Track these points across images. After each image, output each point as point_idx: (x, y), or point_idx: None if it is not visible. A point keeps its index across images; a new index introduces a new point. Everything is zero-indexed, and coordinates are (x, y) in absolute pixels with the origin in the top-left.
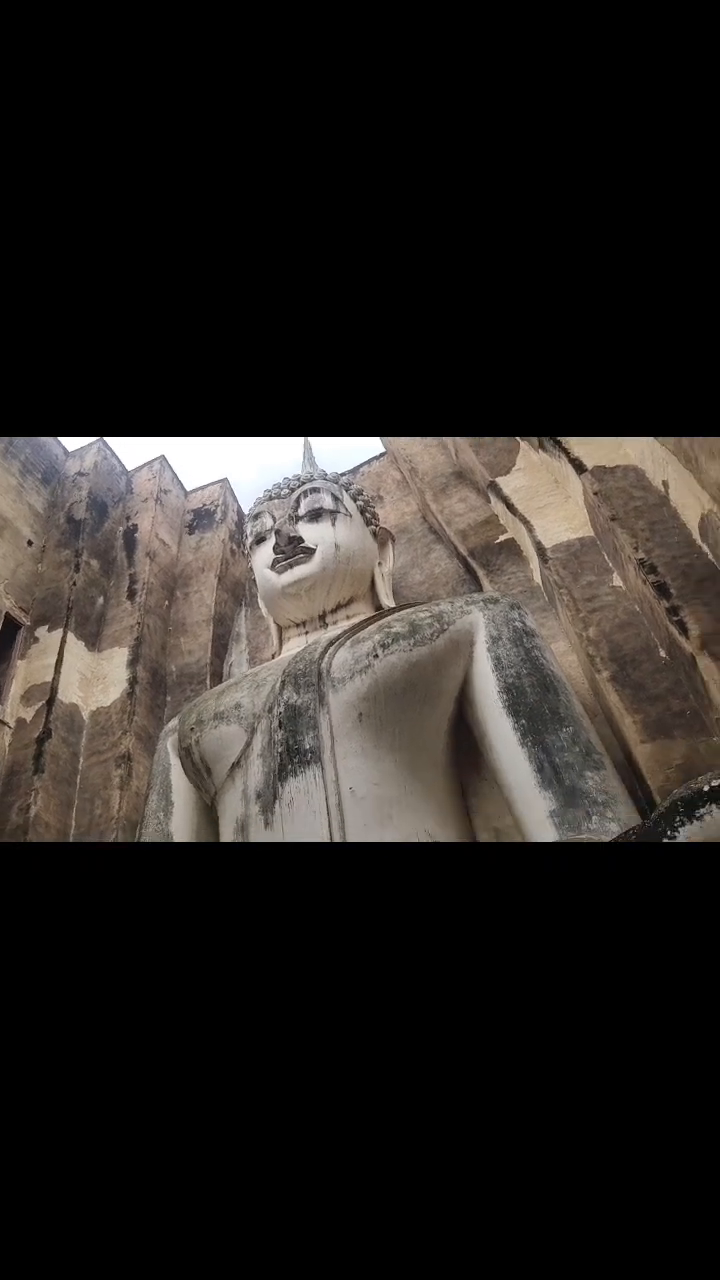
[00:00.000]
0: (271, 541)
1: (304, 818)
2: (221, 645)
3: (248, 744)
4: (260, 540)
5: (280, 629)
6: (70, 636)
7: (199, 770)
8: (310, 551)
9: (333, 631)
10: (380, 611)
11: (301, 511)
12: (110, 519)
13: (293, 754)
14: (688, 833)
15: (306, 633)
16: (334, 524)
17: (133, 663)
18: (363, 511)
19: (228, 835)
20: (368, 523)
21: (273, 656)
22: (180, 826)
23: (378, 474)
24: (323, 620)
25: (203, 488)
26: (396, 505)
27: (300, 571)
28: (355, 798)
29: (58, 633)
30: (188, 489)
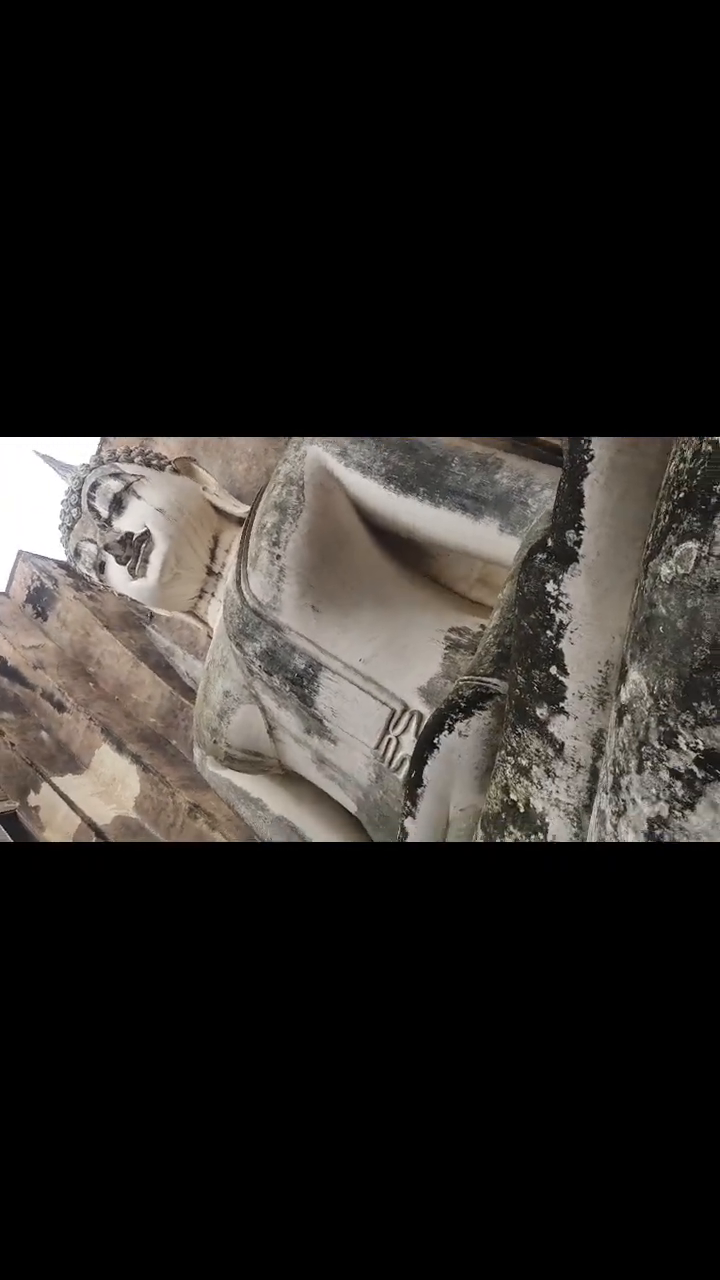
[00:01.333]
0: (109, 559)
1: (350, 713)
2: (167, 668)
3: (264, 708)
4: (101, 567)
5: (189, 613)
6: (44, 788)
7: (251, 760)
8: (146, 535)
9: (228, 573)
10: (244, 522)
11: (105, 513)
12: None
13: (301, 681)
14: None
15: (212, 594)
16: (139, 495)
17: (119, 749)
18: (148, 463)
19: (312, 776)
20: (160, 468)
21: (208, 637)
22: (282, 808)
23: None
24: (212, 574)
25: (10, 574)
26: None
27: (155, 559)
28: (370, 663)
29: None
30: None
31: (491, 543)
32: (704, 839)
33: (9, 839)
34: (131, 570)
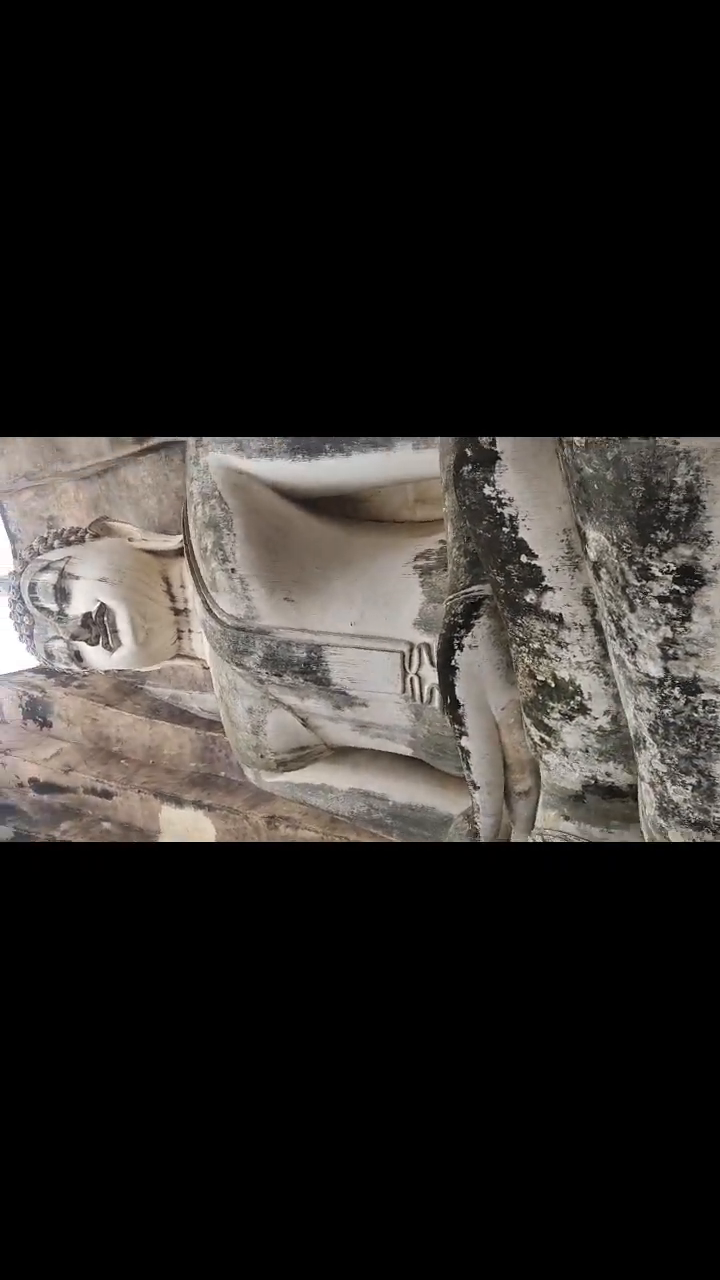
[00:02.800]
0: (80, 645)
1: (366, 674)
2: (181, 714)
3: (289, 707)
4: (77, 656)
5: (176, 656)
6: None
7: (300, 756)
8: (102, 608)
9: (194, 604)
10: (182, 551)
11: (55, 607)
12: None
13: (309, 669)
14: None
15: (189, 630)
16: (77, 575)
17: (178, 804)
18: (67, 542)
19: (360, 742)
20: (80, 540)
21: (204, 668)
22: (349, 782)
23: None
24: (179, 612)
25: None
26: (49, 498)
27: (122, 625)
28: (360, 623)
29: None
30: None
31: (412, 464)
32: (710, 641)
33: None
34: (106, 646)
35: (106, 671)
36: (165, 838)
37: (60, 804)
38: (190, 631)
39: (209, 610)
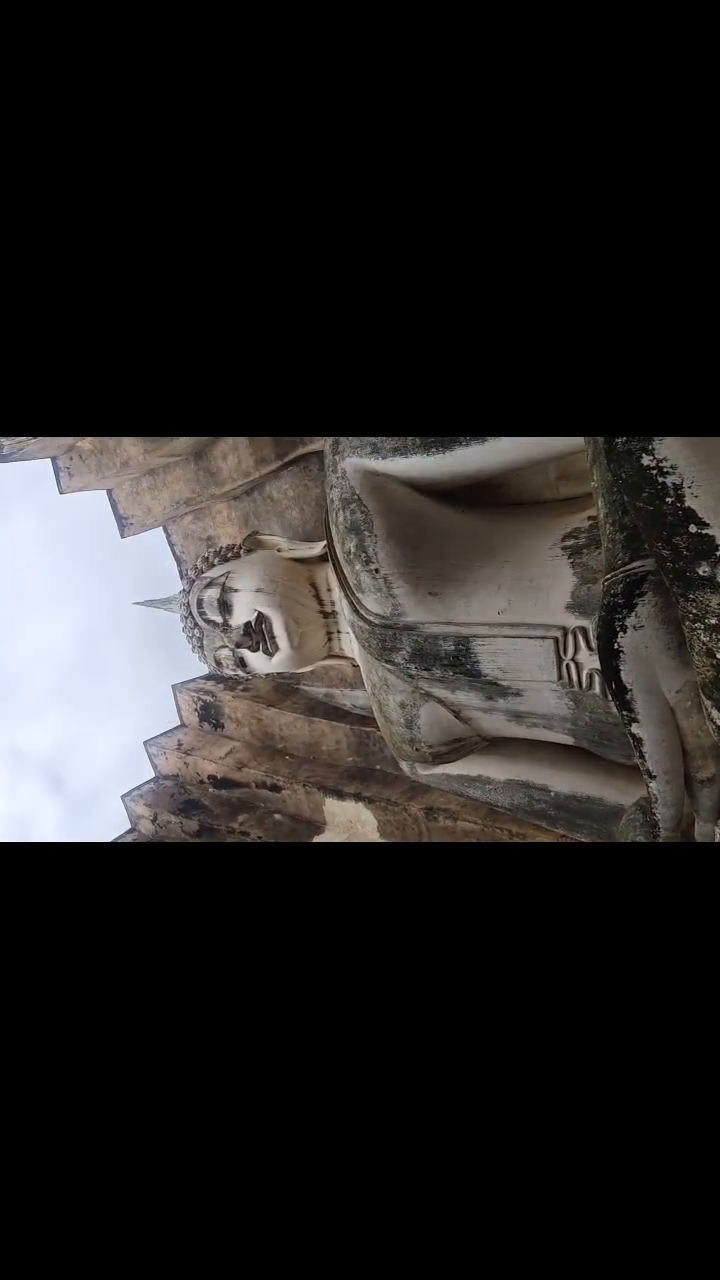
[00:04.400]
0: (244, 652)
1: (518, 663)
2: (335, 710)
3: (440, 700)
4: (241, 662)
5: (328, 657)
6: None
7: (455, 748)
8: (261, 617)
9: (342, 606)
10: (326, 556)
11: (220, 619)
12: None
13: (458, 661)
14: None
15: (338, 631)
16: (236, 589)
17: (340, 797)
18: (225, 559)
19: (516, 732)
20: (236, 555)
21: (354, 667)
22: (506, 772)
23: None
24: (327, 615)
25: (177, 708)
26: (202, 520)
27: (279, 631)
28: (508, 610)
29: None
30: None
31: (553, 441)
32: None
33: None
34: (266, 651)
35: (267, 675)
36: (330, 829)
37: (236, 798)
38: (339, 632)
39: (356, 611)
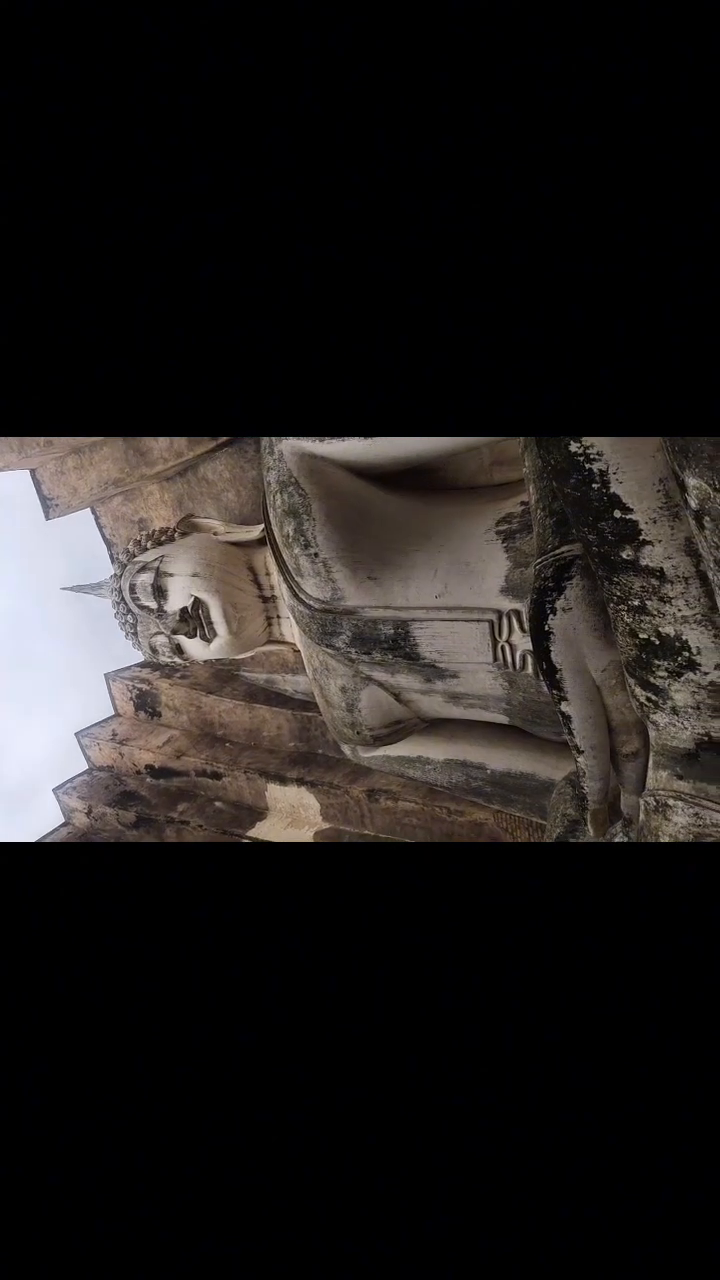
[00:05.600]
0: (180, 638)
1: (455, 646)
2: (276, 696)
3: (380, 683)
4: (178, 649)
5: (268, 642)
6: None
7: (395, 730)
8: (197, 602)
9: (281, 590)
10: (264, 540)
11: (154, 604)
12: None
13: (397, 645)
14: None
15: (278, 615)
16: (170, 573)
17: (282, 782)
18: (159, 542)
19: (454, 713)
20: (171, 539)
21: (295, 652)
22: (444, 752)
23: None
24: (266, 599)
25: (110, 697)
26: (135, 501)
27: (216, 617)
28: (445, 594)
29: None
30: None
31: None
32: None
33: None
34: (204, 637)
35: (206, 661)
36: (273, 815)
37: (175, 787)
38: (279, 617)
39: (295, 596)
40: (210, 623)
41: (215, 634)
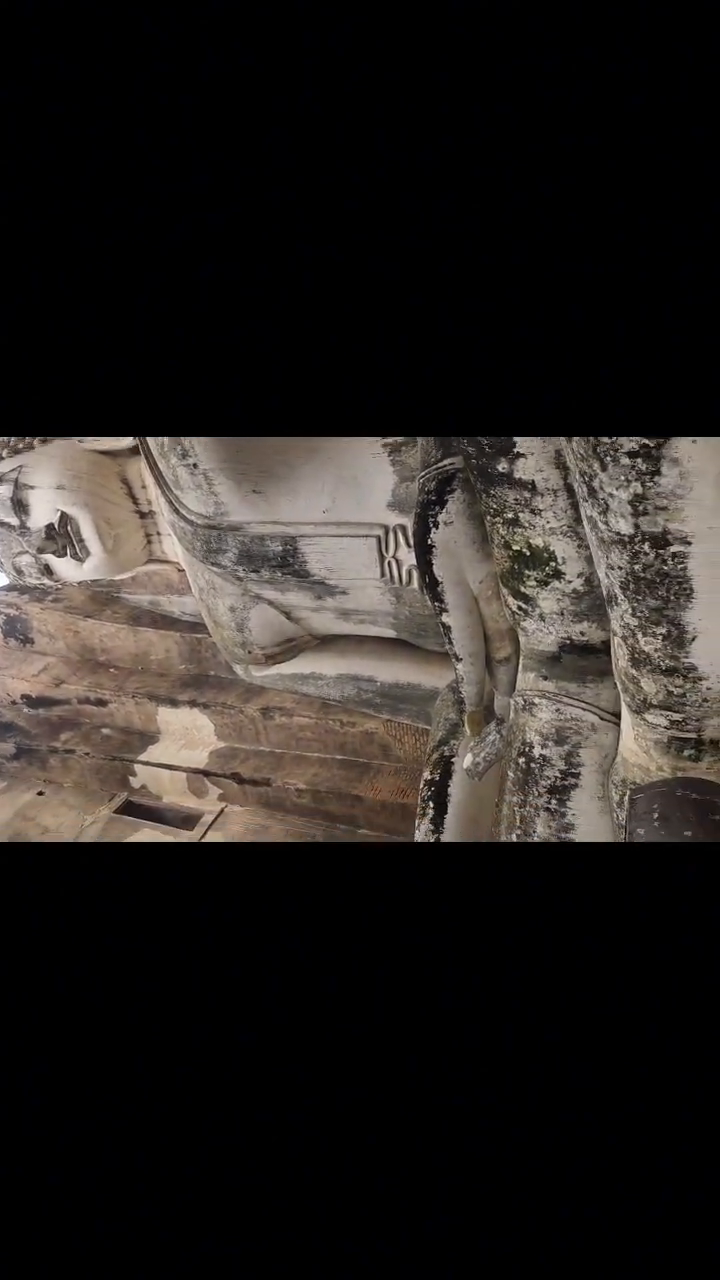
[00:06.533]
0: (49, 558)
1: (344, 562)
2: (162, 618)
3: (270, 602)
4: (46, 569)
5: (149, 561)
6: (138, 769)
7: (286, 648)
8: (64, 518)
9: (159, 505)
10: (138, 450)
11: (15, 521)
12: None
13: (285, 562)
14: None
15: (158, 532)
16: (32, 485)
17: (174, 705)
18: (16, 451)
19: (344, 629)
20: (30, 446)
21: (179, 571)
22: (336, 667)
23: None
24: (144, 516)
25: None
26: None
27: (88, 533)
28: (333, 509)
29: None
30: None
31: None
32: (679, 493)
33: (146, 821)
34: (75, 556)
35: (80, 583)
36: (166, 738)
37: (57, 716)
38: (159, 534)
39: (176, 510)
40: (81, 540)
41: (88, 553)
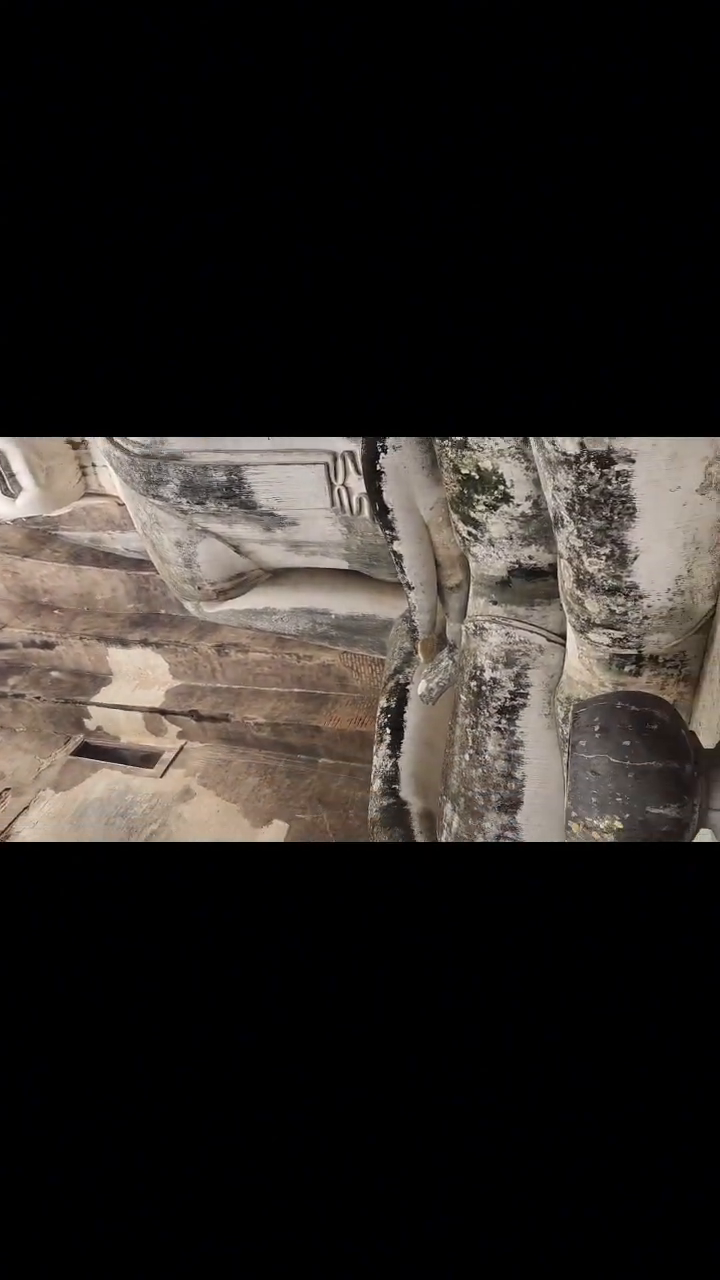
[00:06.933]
0: None
1: (292, 491)
2: (105, 556)
3: (217, 535)
4: None
5: (85, 495)
6: (92, 710)
7: (237, 583)
8: None
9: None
10: None
11: None
12: None
13: (231, 492)
14: None
15: (93, 464)
16: None
17: (124, 645)
18: None
19: (296, 561)
20: None
21: (119, 505)
22: (290, 601)
23: None
24: (77, 447)
25: None
26: None
27: (18, 467)
28: (276, 438)
29: None
30: None
31: None
32: None
33: (104, 761)
34: (6, 493)
35: (14, 521)
36: (118, 679)
37: (3, 661)
38: (94, 466)
39: (110, 440)
40: (12, 475)
41: (19, 488)
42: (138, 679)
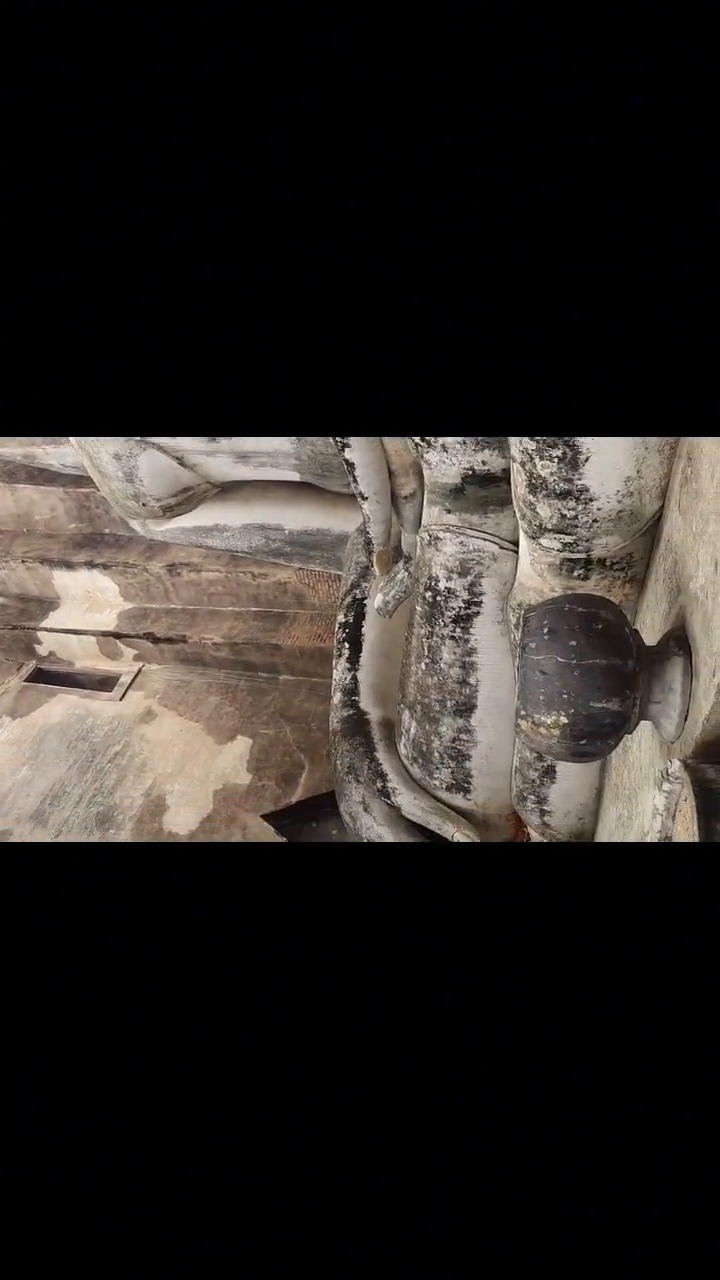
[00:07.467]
0: None
1: None
2: (42, 473)
3: (160, 447)
4: None
5: None
6: (42, 635)
7: (184, 499)
8: None
9: None
10: None
11: None
12: None
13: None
14: None
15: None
16: None
17: (69, 568)
18: None
19: (245, 474)
20: None
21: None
22: (241, 517)
23: None
24: None
25: None
26: None
27: None
28: None
29: None
30: None
31: None
32: None
33: (60, 686)
34: None
35: None
36: (66, 603)
37: None
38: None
39: None
40: None
41: None
42: (87, 602)
